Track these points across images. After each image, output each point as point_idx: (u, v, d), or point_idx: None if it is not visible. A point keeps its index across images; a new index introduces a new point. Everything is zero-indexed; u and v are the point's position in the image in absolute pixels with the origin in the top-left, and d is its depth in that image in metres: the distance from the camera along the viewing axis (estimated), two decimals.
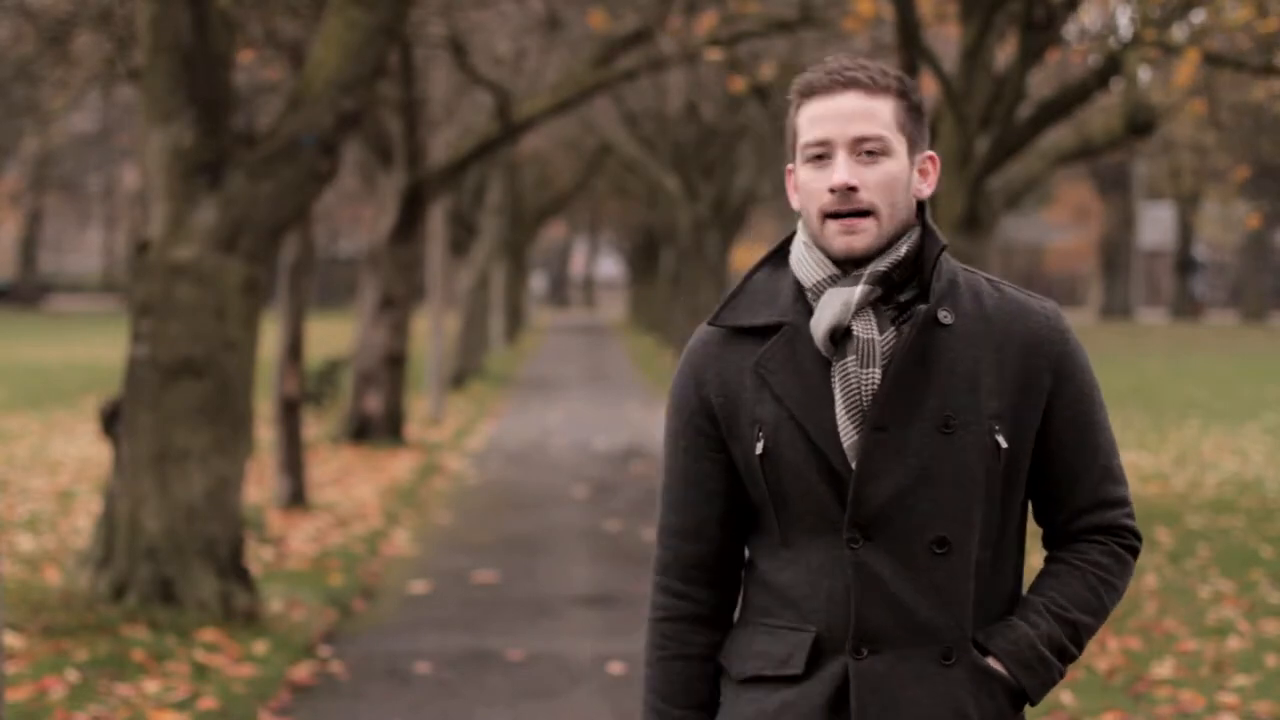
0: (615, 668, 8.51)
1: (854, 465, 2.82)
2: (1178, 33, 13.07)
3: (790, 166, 2.96)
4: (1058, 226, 71.39)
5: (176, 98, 9.16)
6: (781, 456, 2.86)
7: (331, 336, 34.65)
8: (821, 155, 2.86)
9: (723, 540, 2.98)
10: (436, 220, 23.00)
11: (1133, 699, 7.74)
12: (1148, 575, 10.93)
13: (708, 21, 17.25)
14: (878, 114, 2.84)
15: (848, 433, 2.83)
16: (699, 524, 2.98)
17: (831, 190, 2.83)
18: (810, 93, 2.88)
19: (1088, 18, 16.80)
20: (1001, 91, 12.09)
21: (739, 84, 18.86)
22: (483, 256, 31.10)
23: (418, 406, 23.66)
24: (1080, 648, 2.91)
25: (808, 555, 2.88)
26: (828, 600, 2.85)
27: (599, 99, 25.39)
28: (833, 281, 2.86)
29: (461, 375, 29.39)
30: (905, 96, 2.89)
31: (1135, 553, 2.98)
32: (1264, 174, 38.88)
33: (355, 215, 46.67)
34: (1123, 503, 2.97)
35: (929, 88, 15.44)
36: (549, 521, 13.74)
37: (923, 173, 2.92)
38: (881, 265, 2.84)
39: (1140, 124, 11.99)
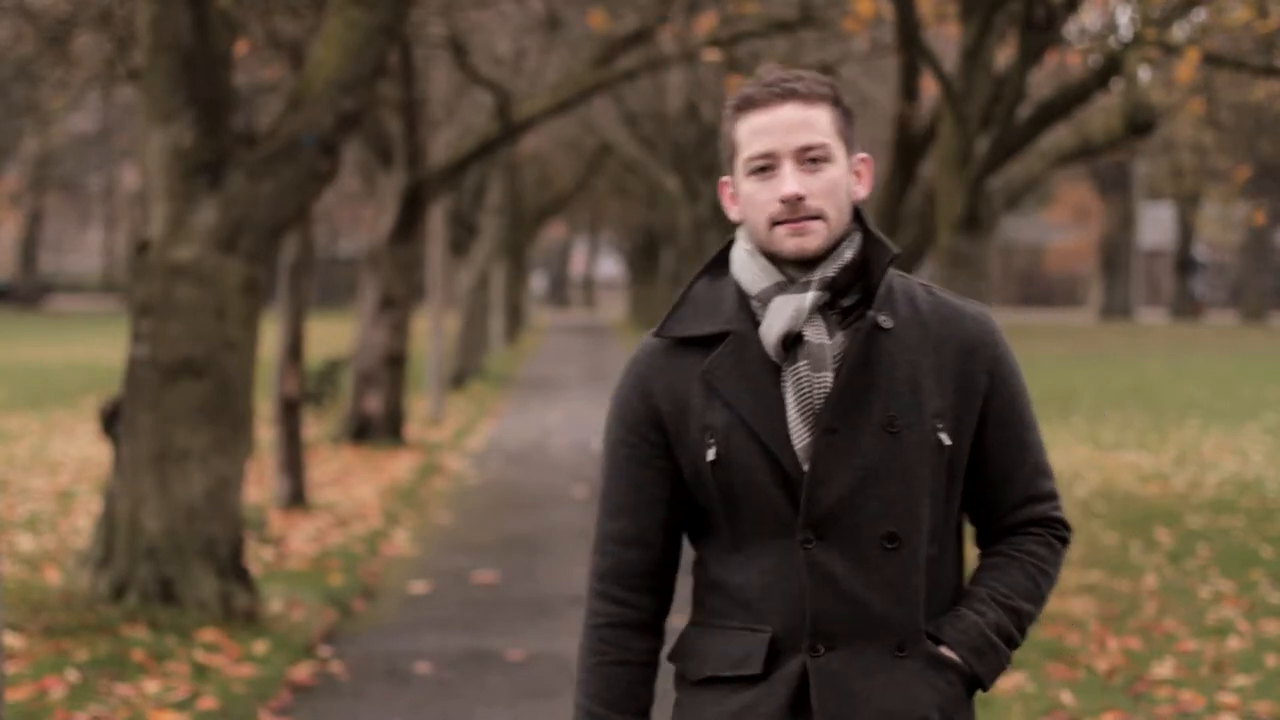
0: None
1: (806, 467, 2.89)
2: (1178, 33, 13.06)
3: (726, 179, 3.01)
4: (1058, 226, 71.40)
5: (176, 98, 9.16)
6: (734, 462, 2.91)
7: (331, 336, 34.64)
8: (766, 167, 2.92)
9: (664, 547, 3.03)
10: (436, 220, 23.00)
11: (1133, 699, 7.74)
12: (1148, 575, 10.93)
13: (708, 21, 17.25)
14: (816, 122, 2.91)
15: (800, 435, 2.89)
16: (642, 530, 3.01)
17: (783, 201, 2.89)
18: (748, 106, 2.93)
19: (1088, 18, 16.80)
20: (1001, 91, 12.09)
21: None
22: (483, 256, 31.09)
23: (418, 406, 23.66)
24: (1024, 634, 3.01)
25: (760, 558, 2.93)
26: (782, 600, 2.91)
27: (599, 99, 25.38)
28: (780, 289, 2.92)
29: (461, 375, 29.39)
30: (839, 103, 2.96)
31: (1066, 543, 3.08)
32: (1264, 174, 38.89)
33: (355, 215, 46.68)
34: (1053, 496, 3.06)
35: (929, 88, 15.44)
36: (549, 521, 13.74)
37: (858, 174, 3.00)
38: (830, 271, 2.91)
39: (1140, 124, 11.98)
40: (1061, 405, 24.52)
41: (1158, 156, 23.69)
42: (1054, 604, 9.93)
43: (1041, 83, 16.73)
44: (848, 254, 2.93)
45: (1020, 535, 3.04)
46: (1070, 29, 15.63)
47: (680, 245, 35.44)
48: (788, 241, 2.91)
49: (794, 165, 2.90)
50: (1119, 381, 29.67)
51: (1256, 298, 60.00)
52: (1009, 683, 8.00)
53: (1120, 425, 21.64)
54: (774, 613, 2.91)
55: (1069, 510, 13.94)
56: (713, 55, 18.20)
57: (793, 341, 2.91)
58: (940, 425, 2.92)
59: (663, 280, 46.52)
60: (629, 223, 54.11)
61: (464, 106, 22.46)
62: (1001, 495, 3.02)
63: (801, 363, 2.90)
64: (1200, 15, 13.28)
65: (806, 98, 2.91)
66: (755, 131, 2.92)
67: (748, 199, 2.95)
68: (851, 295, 2.94)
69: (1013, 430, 3.00)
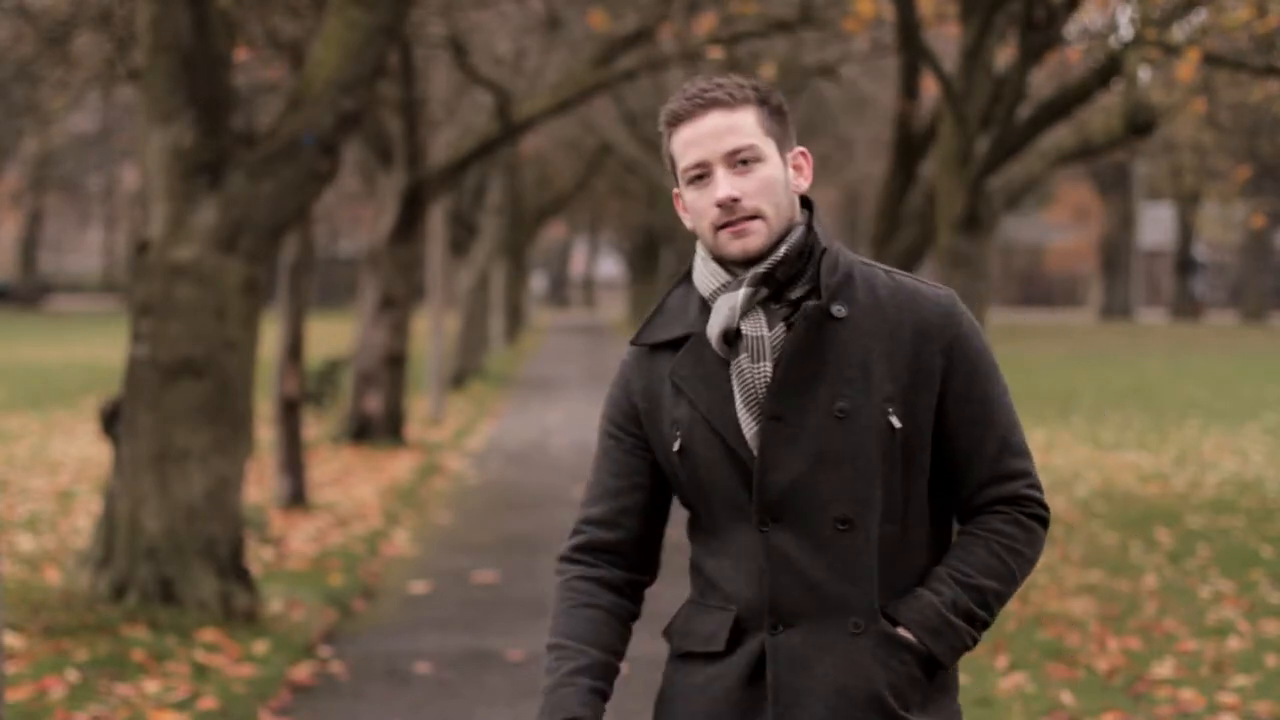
0: None
1: (756, 454, 3.03)
2: (1178, 33, 13.07)
3: (677, 191, 3.15)
4: (1058, 226, 71.37)
5: (176, 98, 9.16)
6: (696, 453, 3.08)
7: (331, 336, 34.64)
8: (701, 175, 3.06)
9: (638, 532, 3.19)
10: (436, 220, 22.99)
11: (1133, 699, 7.74)
12: (1148, 575, 10.93)
13: (708, 21, 17.25)
14: (741, 125, 3.04)
15: (748, 425, 3.04)
16: (619, 513, 3.19)
17: (718, 205, 3.03)
18: (677, 121, 3.08)
19: (1088, 17, 16.79)
20: (1001, 91, 12.09)
21: None
22: (483, 256, 31.09)
23: (418, 406, 23.66)
24: (990, 611, 3.06)
25: (729, 541, 3.09)
26: (746, 581, 3.06)
27: (599, 99, 25.38)
28: (725, 288, 3.07)
29: (461, 375, 29.39)
30: (765, 102, 3.08)
31: (1041, 520, 3.12)
32: (1264, 174, 38.90)
33: (355, 215, 46.68)
34: (1023, 474, 3.11)
35: (929, 87, 15.44)
36: (549, 521, 13.74)
37: (797, 168, 3.12)
38: (761, 268, 3.04)
39: (1140, 124, 11.98)
40: (1061, 405, 24.52)
41: (1158, 156, 23.69)
42: (1054, 604, 9.93)
43: (1042, 83, 16.74)
44: (782, 250, 3.05)
45: (988, 514, 3.10)
46: (1070, 29, 15.63)
47: (680, 245, 35.48)
48: (732, 244, 3.04)
49: (725, 170, 3.03)
50: (1119, 381, 29.67)
51: (1256, 298, 59.99)
52: (1009, 683, 8.00)
53: (1120, 425, 21.64)
54: (740, 593, 3.06)
55: (1069, 510, 13.94)
56: (713, 55, 18.20)
57: (734, 336, 3.05)
58: (891, 409, 3.01)
59: (662, 280, 46.54)
60: (629, 223, 54.08)
61: (464, 106, 22.45)
62: (967, 475, 3.09)
63: (742, 355, 3.04)
64: (1200, 15, 13.28)
65: (728, 104, 3.04)
66: (686, 144, 3.06)
67: (691, 208, 3.09)
68: (801, 286, 3.06)
69: (974, 410, 3.07)
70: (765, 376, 3.03)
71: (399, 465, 17.15)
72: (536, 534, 13.07)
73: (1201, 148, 20.39)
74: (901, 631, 3.02)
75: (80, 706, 7.34)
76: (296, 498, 13.64)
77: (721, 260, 3.08)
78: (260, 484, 14.29)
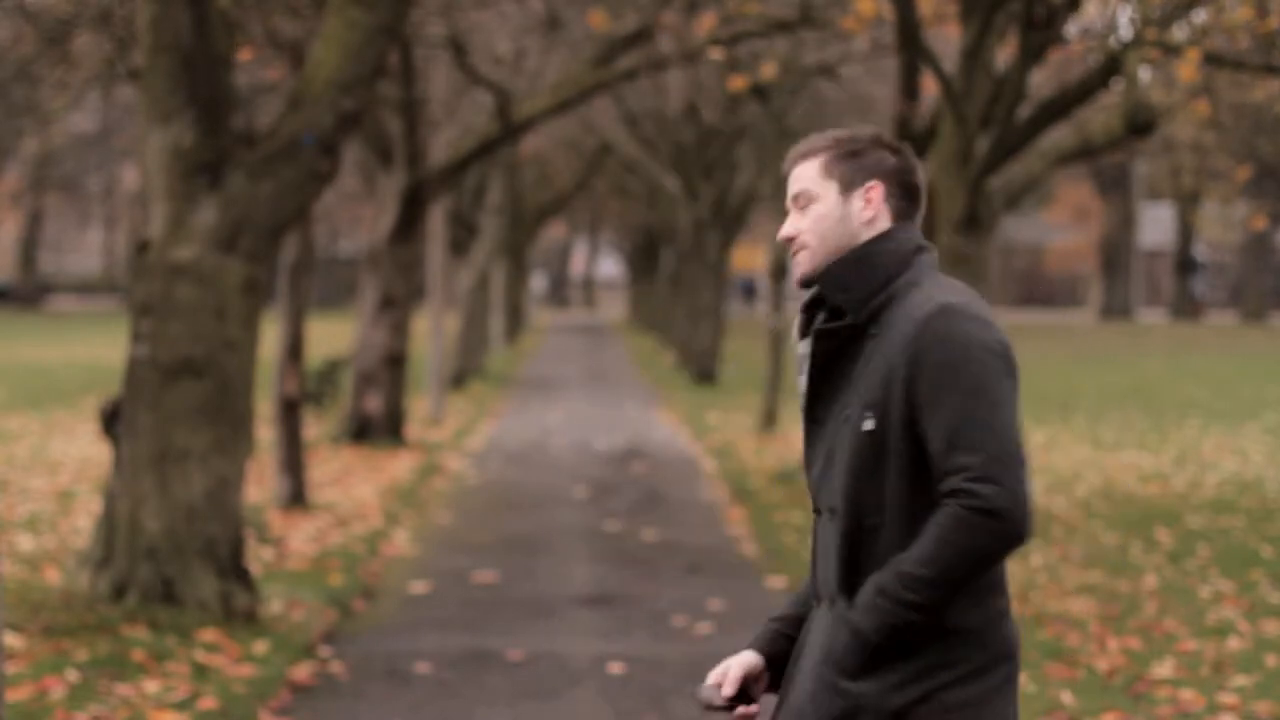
0: (615, 668, 8.51)
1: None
2: (1178, 33, 13.06)
3: None
4: (1058, 226, 71.40)
5: (176, 98, 9.16)
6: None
7: (331, 336, 34.63)
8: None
9: None
10: (436, 220, 23.00)
11: (1133, 699, 7.74)
12: (1148, 575, 10.94)
13: (708, 21, 17.24)
14: (802, 175, 3.61)
15: (802, 425, 3.61)
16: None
17: (781, 241, 3.65)
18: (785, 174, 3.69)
19: (1089, 13, 16.79)
20: (1001, 91, 12.09)
21: (739, 84, 18.83)
22: (483, 256, 31.09)
23: (418, 406, 23.66)
24: (917, 593, 3.36)
25: None
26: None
27: (599, 99, 25.37)
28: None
29: (461, 375, 29.39)
30: (833, 149, 3.59)
31: (977, 510, 3.33)
32: (1264, 174, 38.89)
33: (355, 215, 46.68)
34: (963, 469, 3.36)
35: (929, 88, 15.44)
36: (549, 521, 13.74)
37: (867, 201, 3.57)
38: (806, 297, 3.61)
39: (1140, 124, 11.98)
40: (1062, 405, 24.52)
41: (1158, 156, 23.69)
42: (1054, 604, 9.93)
43: (1041, 83, 16.74)
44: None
45: (940, 506, 3.38)
46: (1070, 28, 15.62)
47: (680, 245, 35.46)
48: (794, 271, 3.61)
49: (792, 211, 3.61)
50: (1119, 381, 29.68)
51: (1256, 298, 59.99)
52: None
53: (1120, 425, 21.64)
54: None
55: (1069, 510, 13.93)
56: (713, 55, 18.19)
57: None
58: (868, 414, 3.44)
59: (663, 280, 46.50)
60: (629, 223, 54.08)
61: (464, 106, 22.44)
62: (933, 471, 3.41)
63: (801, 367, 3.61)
64: (1200, 15, 13.28)
65: (799, 158, 3.61)
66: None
67: None
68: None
69: (930, 411, 3.39)
70: (803, 387, 3.56)
71: (399, 465, 17.15)
72: (536, 534, 13.07)
73: (1201, 148, 20.40)
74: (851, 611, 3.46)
75: (80, 706, 7.35)
76: (296, 498, 13.64)
77: None
78: (260, 484, 14.29)
